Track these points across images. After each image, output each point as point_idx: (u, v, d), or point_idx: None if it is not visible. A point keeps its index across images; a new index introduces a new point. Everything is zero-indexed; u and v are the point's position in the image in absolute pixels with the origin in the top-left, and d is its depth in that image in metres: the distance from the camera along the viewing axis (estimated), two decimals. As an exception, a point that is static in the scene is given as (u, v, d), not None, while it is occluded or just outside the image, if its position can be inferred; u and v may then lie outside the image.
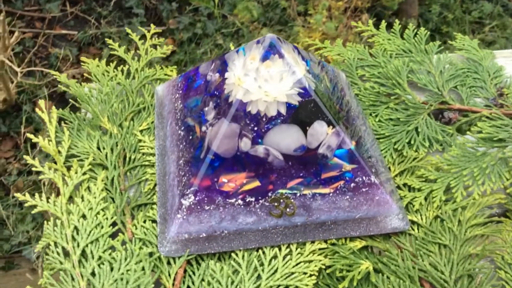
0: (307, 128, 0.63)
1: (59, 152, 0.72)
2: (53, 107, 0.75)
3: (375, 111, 0.80)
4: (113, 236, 0.66)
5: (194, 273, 0.64)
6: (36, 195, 0.68)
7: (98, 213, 0.66)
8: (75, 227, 0.65)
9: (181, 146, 0.68)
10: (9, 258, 1.43)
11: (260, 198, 0.65)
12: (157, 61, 1.77)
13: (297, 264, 0.64)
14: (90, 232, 0.65)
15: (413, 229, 0.68)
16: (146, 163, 0.73)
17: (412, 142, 0.76)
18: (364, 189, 0.66)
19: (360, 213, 0.66)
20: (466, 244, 0.66)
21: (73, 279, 0.61)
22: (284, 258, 0.65)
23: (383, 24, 0.91)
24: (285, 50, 0.64)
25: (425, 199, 0.70)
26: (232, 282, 0.62)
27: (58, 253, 0.63)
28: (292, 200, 0.65)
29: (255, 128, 0.63)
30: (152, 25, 0.92)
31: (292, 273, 0.63)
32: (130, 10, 2.01)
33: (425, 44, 0.89)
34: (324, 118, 0.63)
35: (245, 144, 0.63)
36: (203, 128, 0.65)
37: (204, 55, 1.87)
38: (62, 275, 0.62)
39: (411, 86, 0.83)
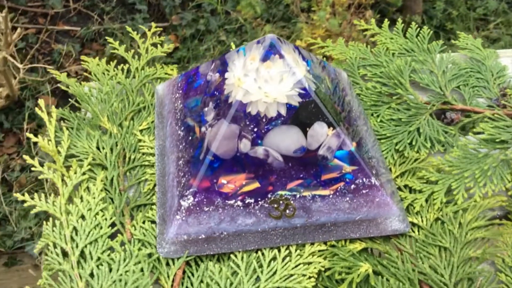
0: (307, 129, 0.63)
1: (58, 152, 0.72)
2: (53, 107, 0.74)
3: (376, 111, 0.80)
4: (112, 237, 0.66)
5: (193, 274, 0.63)
6: (36, 195, 0.67)
7: (97, 213, 0.66)
8: (74, 228, 0.65)
9: (180, 146, 0.68)
10: (12, 254, 1.43)
11: (259, 199, 0.64)
12: (159, 57, 1.77)
13: (296, 266, 0.64)
14: (89, 232, 0.65)
15: (414, 231, 0.68)
16: (146, 163, 0.73)
17: (413, 143, 0.75)
18: (364, 191, 0.65)
19: (360, 215, 0.66)
20: (467, 247, 0.66)
21: (71, 280, 0.61)
22: (283, 259, 0.65)
23: (386, 23, 0.90)
24: (285, 50, 0.63)
25: (426, 201, 0.70)
26: (231, 284, 0.62)
27: (57, 254, 0.63)
28: (292, 202, 0.65)
29: (255, 129, 0.63)
30: (153, 23, 0.91)
31: (291, 275, 0.63)
32: (133, 6, 2.00)
33: (428, 43, 0.88)
34: (325, 119, 0.63)
35: (245, 145, 0.62)
36: (203, 129, 0.65)
37: (207, 51, 1.87)
38: (61, 275, 0.62)
39: (413, 86, 0.83)
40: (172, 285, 0.62)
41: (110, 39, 0.87)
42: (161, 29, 1.41)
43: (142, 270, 0.62)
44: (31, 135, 0.72)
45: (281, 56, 0.63)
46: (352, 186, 0.65)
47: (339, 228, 0.66)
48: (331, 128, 0.63)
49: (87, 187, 0.69)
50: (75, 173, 0.69)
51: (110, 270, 0.62)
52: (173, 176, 0.67)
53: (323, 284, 0.64)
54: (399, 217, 0.67)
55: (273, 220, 0.65)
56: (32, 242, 1.44)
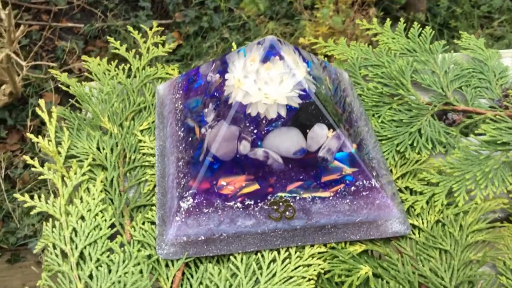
0: (307, 131, 0.63)
1: (58, 152, 0.72)
2: (54, 107, 0.74)
3: (377, 112, 0.79)
4: (112, 238, 0.66)
5: (192, 276, 0.63)
6: (35, 196, 0.67)
7: (96, 214, 0.66)
8: (74, 229, 0.65)
9: (180, 147, 0.68)
10: (15, 251, 1.44)
11: (259, 201, 0.64)
12: (162, 55, 1.77)
13: (296, 268, 0.64)
14: (88, 234, 0.65)
15: (414, 233, 0.68)
16: (146, 163, 0.73)
17: (414, 144, 0.75)
18: (364, 193, 0.65)
19: (360, 217, 0.65)
20: (467, 249, 0.65)
21: (70, 281, 0.61)
22: (283, 261, 0.64)
23: (388, 22, 0.90)
24: (285, 52, 0.63)
25: (427, 203, 0.70)
26: (230, 286, 0.62)
27: (56, 255, 0.63)
28: (292, 204, 0.64)
29: (255, 131, 0.62)
30: (154, 22, 0.91)
31: (291, 277, 0.63)
32: (136, 3, 2.00)
33: (430, 43, 0.88)
34: (325, 121, 0.63)
35: (244, 147, 0.62)
36: (203, 130, 0.65)
37: (210, 48, 1.87)
38: (60, 277, 0.62)
39: (415, 87, 0.82)
40: (171, 287, 0.62)
41: (111, 39, 0.87)
42: (163, 28, 1.41)
43: (141, 271, 0.62)
44: (31, 135, 0.72)
45: (281, 58, 0.62)
46: (352, 188, 0.65)
47: (339, 230, 0.66)
48: (331, 129, 0.63)
49: (87, 188, 0.69)
50: (75, 173, 0.69)
51: (109, 271, 0.62)
52: (173, 177, 0.67)
53: (323, 286, 0.64)
54: (399, 219, 0.66)
55: (272, 222, 0.65)
56: (35, 239, 1.45)
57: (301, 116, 0.62)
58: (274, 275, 0.63)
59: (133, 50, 0.86)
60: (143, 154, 0.74)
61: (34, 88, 1.75)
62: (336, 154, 0.64)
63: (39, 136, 0.71)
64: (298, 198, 0.65)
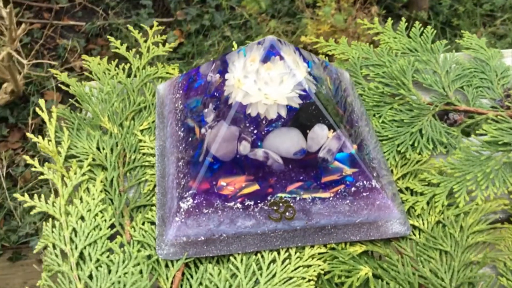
0: (308, 131, 0.62)
1: (58, 152, 0.72)
2: (53, 107, 0.74)
3: (378, 112, 0.79)
4: (112, 238, 0.66)
5: (192, 277, 0.63)
6: (35, 196, 0.67)
7: (96, 215, 0.66)
8: (74, 229, 0.65)
9: (180, 147, 0.68)
10: (16, 249, 1.44)
11: (259, 201, 0.64)
12: (163, 54, 1.77)
13: (296, 269, 0.64)
14: (88, 234, 0.64)
15: (414, 234, 0.67)
16: (146, 163, 0.73)
17: (415, 144, 0.74)
18: (364, 194, 0.65)
19: (360, 217, 0.65)
20: (468, 250, 0.65)
21: (70, 281, 0.61)
22: (282, 262, 0.64)
23: (389, 22, 0.89)
24: (285, 52, 0.63)
25: (427, 203, 0.69)
26: (230, 286, 0.62)
27: (56, 255, 0.63)
28: (292, 204, 0.64)
29: (255, 131, 0.62)
30: (155, 21, 0.91)
31: (291, 278, 0.63)
32: (137, 1, 2.00)
33: (432, 42, 0.87)
34: (325, 121, 0.63)
35: (244, 147, 0.62)
36: (203, 130, 0.65)
37: (212, 47, 1.86)
38: (60, 277, 0.62)
39: (416, 86, 0.82)
40: (171, 287, 0.62)
41: (112, 38, 0.87)
42: (163, 27, 1.40)
43: (141, 272, 0.62)
44: (31, 135, 0.72)
45: (281, 58, 0.62)
46: (353, 188, 0.65)
47: (339, 231, 0.66)
48: (332, 130, 0.63)
49: (87, 188, 0.69)
50: (75, 173, 0.69)
51: (109, 271, 0.62)
52: (172, 177, 0.67)
53: (323, 287, 0.64)
54: (400, 220, 0.66)
55: (272, 222, 0.65)
56: (37, 237, 1.45)
57: (301, 116, 0.62)
58: (274, 275, 0.63)
59: (133, 50, 0.86)
60: (143, 154, 0.74)
61: (36, 86, 1.75)
62: (336, 155, 0.64)
63: (39, 136, 0.71)
64: (298, 198, 0.64)
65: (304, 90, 0.62)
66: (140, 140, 0.76)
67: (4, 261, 1.42)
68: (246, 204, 0.64)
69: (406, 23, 0.90)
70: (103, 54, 1.87)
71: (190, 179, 0.64)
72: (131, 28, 0.87)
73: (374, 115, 0.79)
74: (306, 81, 0.62)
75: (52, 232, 0.65)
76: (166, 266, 0.64)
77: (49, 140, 0.72)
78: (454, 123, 0.78)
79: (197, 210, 0.63)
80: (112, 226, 0.67)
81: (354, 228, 0.66)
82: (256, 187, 0.64)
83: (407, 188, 0.72)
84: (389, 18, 0.91)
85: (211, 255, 0.64)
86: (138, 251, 0.64)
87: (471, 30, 1.86)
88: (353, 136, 0.67)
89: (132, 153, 0.74)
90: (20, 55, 1.70)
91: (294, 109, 0.62)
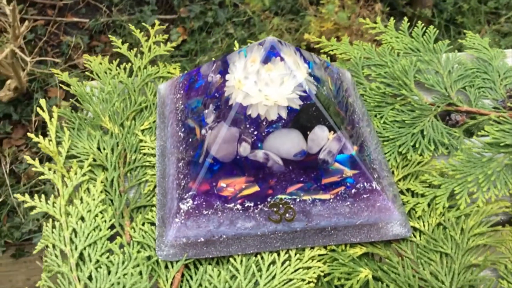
0: (308, 132, 0.62)
1: (59, 152, 0.72)
2: (54, 107, 0.74)
3: (380, 112, 0.79)
4: (111, 239, 0.66)
5: (191, 278, 0.63)
6: (36, 196, 0.67)
7: (96, 215, 0.66)
8: (74, 230, 0.65)
9: (181, 148, 0.68)
10: (19, 246, 1.45)
11: (259, 203, 0.64)
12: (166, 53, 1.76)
13: (295, 271, 0.63)
14: (88, 234, 0.65)
15: (415, 236, 0.67)
16: (147, 164, 0.73)
17: (417, 145, 0.74)
18: (365, 195, 0.65)
19: (361, 219, 0.65)
20: (468, 253, 0.65)
21: (70, 282, 0.62)
22: (282, 264, 0.64)
23: (392, 21, 0.89)
24: (285, 53, 0.63)
25: (428, 205, 0.69)
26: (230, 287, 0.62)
27: (56, 256, 0.63)
28: (292, 206, 0.64)
29: (255, 132, 0.62)
30: (156, 20, 0.90)
31: (290, 280, 0.63)
32: (141, -2, 2.00)
33: (434, 42, 0.87)
34: (326, 122, 0.62)
35: (245, 149, 0.62)
36: (203, 131, 0.65)
37: (215, 44, 1.86)
38: (60, 278, 0.62)
39: (418, 87, 0.82)
40: (170, 288, 0.62)
41: (113, 37, 0.87)
42: (167, 24, 1.40)
43: (140, 273, 0.62)
44: (32, 135, 0.72)
45: (282, 59, 0.62)
46: (353, 190, 0.64)
47: (340, 233, 0.65)
48: (332, 131, 0.63)
49: (87, 188, 0.69)
50: (75, 174, 0.69)
51: (109, 272, 0.62)
52: (173, 178, 0.67)
53: (322, 289, 0.64)
54: (400, 221, 0.66)
55: (272, 223, 0.64)
56: (40, 234, 1.45)
57: (302, 117, 0.62)
58: (273, 277, 0.63)
59: (135, 49, 0.86)
60: (144, 154, 0.74)
61: (39, 83, 1.75)
62: (336, 156, 0.63)
63: (40, 136, 0.71)
64: (298, 200, 0.64)
65: (305, 91, 0.61)
66: (141, 140, 0.75)
67: (7, 257, 1.42)
68: (246, 205, 0.64)
69: (409, 22, 0.89)
70: (107, 51, 1.87)
71: (190, 180, 0.64)
72: (132, 27, 0.87)
73: (375, 116, 0.79)
74: (306, 82, 0.62)
75: (52, 232, 0.65)
76: (166, 267, 0.64)
77: (50, 140, 0.72)
78: (456, 124, 0.77)
79: (197, 211, 0.63)
80: (112, 226, 0.67)
81: (354, 230, 0.65)
82: (256, 188, 0.64)
83: (408, 190, 0.71)
84: (392, 18, 0.90)
85: (210, 256, 0.64)
86: (138, 252, 0.64)
87: (475, 28, 1.85)
88: (354, 137, 0.66)
89: (132, 153, 0.74)
90: (23, 52, 1.70)
91: (294, 110, 0.62)
